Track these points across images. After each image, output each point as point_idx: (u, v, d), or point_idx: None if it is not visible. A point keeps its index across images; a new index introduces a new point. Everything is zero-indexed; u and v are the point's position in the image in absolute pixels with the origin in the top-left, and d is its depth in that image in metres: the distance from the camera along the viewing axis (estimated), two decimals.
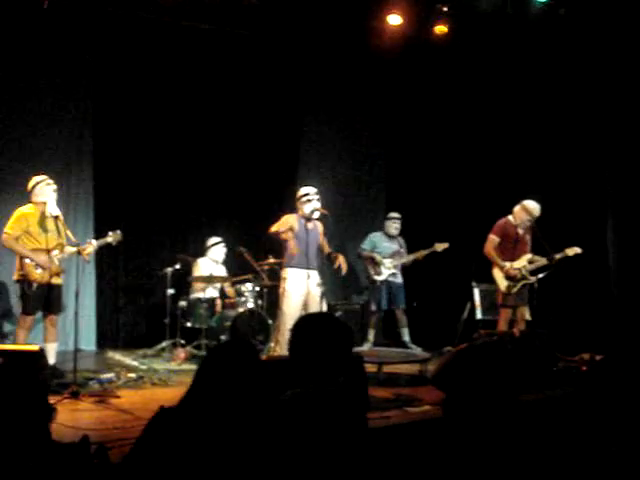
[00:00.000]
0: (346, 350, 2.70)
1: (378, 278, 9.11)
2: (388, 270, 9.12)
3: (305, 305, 7.11)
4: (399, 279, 9.24)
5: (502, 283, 7.71)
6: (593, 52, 8.28)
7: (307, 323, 2.80)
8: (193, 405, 2.57)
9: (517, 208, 7.76)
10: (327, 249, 7.37)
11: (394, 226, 9.31)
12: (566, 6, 8.21)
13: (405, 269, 9.33)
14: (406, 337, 9.11)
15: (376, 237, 9.34)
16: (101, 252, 7.23)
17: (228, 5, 8.09)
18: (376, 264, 9.14)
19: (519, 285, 7.66)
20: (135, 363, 7.69)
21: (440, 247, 8.99)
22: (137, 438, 2.57)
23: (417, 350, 8.62)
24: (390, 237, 9.31)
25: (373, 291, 9.17)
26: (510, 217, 7.80)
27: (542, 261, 7.68)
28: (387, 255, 9.19)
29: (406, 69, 9.77)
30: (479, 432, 2.33)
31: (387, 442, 3.95)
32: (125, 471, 2.59)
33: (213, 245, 8.81)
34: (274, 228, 7.23)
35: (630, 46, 7.97)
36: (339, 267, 7.29)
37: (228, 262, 8.99)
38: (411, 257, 9.20)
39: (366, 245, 9.27)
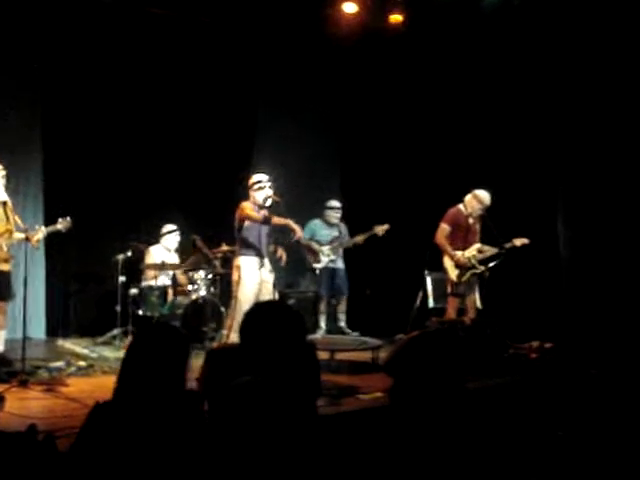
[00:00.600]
0: (298, 338, 2.70)
1: (317, 265, 9.17)
2: (327, 257, 9.18)
3: (258, 293, 7.10)
4: (340, 265, 9.31)
5: (452, 272, 7.81)
6: (547, 42, 8.36)
7: (259, 311, 2.80)
8: (124, 397, 2.57)
9: (468, 197, 7.84)
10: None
11: (334, 215, 9.37)
12: None
13: (350, 255, 9.37)
14: (342, 322, 9.23)
15: (315, 225, 9.38)
16: (51, 239, 7.12)
17: None
18: (314, 252, 9.18)
19: (468, 274, 7.77)
20: (85, 351, 7.60)
21: (380, 229, 9.04)
22: (77, 434, 2.58)
23: (353, 335, 8.76)
24: (330, 225, 9.35)
25: (316, 278, 9.22)
26: (461, 206, 7.88)
27: (491, 250, 7.78)
28: (326, 242, 9.24)
29: (361, 58, 9.77)
30: (424, 419, 2.35)
31: (338, 429, 3.97)
32: (72, 460, 2.57)
33: (167, 233, 8.75)
34: (257, 217, 7.16)
35: (584, 37, 8.06)
36: (280, 258, 7.29)
37: (181, 250, 8.94)
38: (350, 242, 9.28)
39: (304, 233, 9.29)
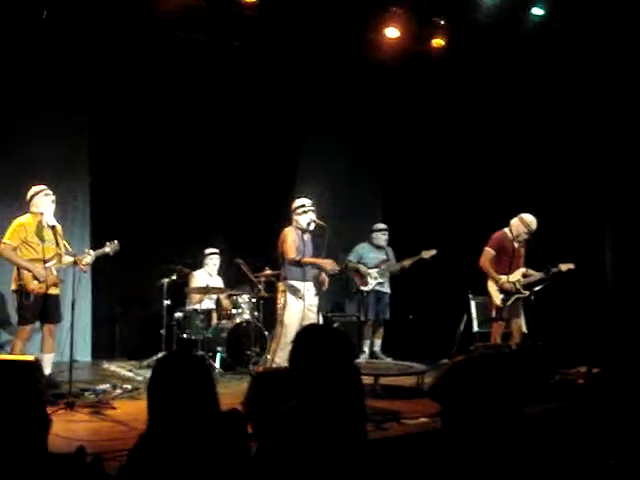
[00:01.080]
0: (347, 362, 2.70)
1: (364, 288, 9.16)
2: (375, 280, 9.17)
3: (303, 317, 7.10)
4: (387, 289, 9.30)
5: (496, 296, 7.70)
6: (589, 65, 8.31)
7: (310, 334, 2.80)
8: (159, 425, 2.59)
9: (514, 221, 7.76)
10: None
11: (382, 237, 9.38)
12: (562, 20, 8.27)
13: (395, 279, 9.35)
14: (377, 347, 9.22)
15: (362, 248, 9.39)
16: (98, 263, 7.21)
17: (228, 17, 8.10)
18: (362, 275, 9.18)
19: (512, 299, 7.66)
20: (130, 374, 7.67)
21: (427, 254, 9.03)
22: (126, 457, 2.60)
23: (387, 360, 8.72)
24: (377, 247, 9.35)
25: (362, 302, 9.21)
26: (507, 230, 7.80)
27: (536, 275, 7.68)
28: (374, 265, 9.24)
29: (404, 82, 9.79)
30: (479, 444, 2.32)
31: (384, 454, 3.94)
32: None
33: (209, 255, 8.83)
34: (291, 255, 7.15)
35: (626, 59, 8.00)
36: (322, 283, 7.29)
37: (225, 273, 9.00)
38: (398, 265, 9.26)
39: (352, 257, 9.32)
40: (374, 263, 9.29)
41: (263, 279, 8.50)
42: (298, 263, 7.12)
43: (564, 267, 7.60)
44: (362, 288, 9.19)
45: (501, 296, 7.67)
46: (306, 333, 2.79)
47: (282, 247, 7.21)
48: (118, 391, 6.42)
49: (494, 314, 7.75)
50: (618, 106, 8.25)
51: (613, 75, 8.21)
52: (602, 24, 7.98)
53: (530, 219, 7.69)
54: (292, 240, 7.17)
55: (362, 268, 9.21)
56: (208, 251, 8.87)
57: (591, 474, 3.29)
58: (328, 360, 2.62)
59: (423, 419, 5.33)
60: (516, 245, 7.76)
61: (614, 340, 8.00)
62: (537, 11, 8.22)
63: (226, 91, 9.26)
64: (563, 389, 6.54)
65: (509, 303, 7.64)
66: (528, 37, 8.38)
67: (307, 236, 7.25)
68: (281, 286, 7.25)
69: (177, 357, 2.86)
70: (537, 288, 7.64)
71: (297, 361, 2.68)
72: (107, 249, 6.84)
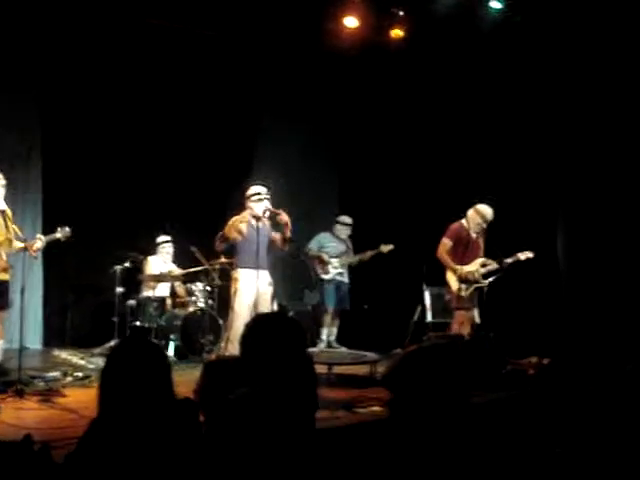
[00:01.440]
0: (299, 350, 2.69)
1: (325, 277, 9.24)
2: (335, 269, 9.24)
3: (256, 305, 7.09)
4: (346, 279, 9.35)
5: (455, 286, 7.75)
6: (548, 58, 8.40)
7: (260, 323, 2.78)
8: (109, 411, 2.56)
9: (470, 212, 7.81)
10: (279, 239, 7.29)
11: (344, 232, 9.44)
12: (521, 13, 8.34)
13: (353, 270, 9.41)
14: (332, 337, 9.29)
15: (323, 237, 9.45)
16: (49, 249, 7.09)
17: (186, 3, 8.03)
18: (323, 263, 9.22)
19: (472, 288, 7.71)
20: (82, 362, 7.58)
21: (385, 249, 9.18)
22: (75, 445, 2.57)
23: (341, 349, 8.79)
24: (338, 238, 9.38)
25: (321, 290, 9.25)
26: (463, 221, 7.85)
27: (494, 264, 7.75)
28: (334, 255, 9.28)
29: (362, 71, 9.79)
30: (426, 432, 2.34)
31: (336, 443, 3.95)
32: (68, 471, 2.56)
33: (162, 243, 8.75)
34: (225, 235, 7.14)
35: (585, 53, 8.11)
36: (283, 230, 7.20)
37: (179, 261, 8.93)
38: (357, 257, 9.38)
39: (313, 245, 9.37)
40: (334, 253, 9.33)
41: (218, 267, 8.44)
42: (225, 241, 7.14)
43: (523, 256, 7.66)
44: (323, 276, 9.23)
45: (460, 285, 7.71)
46: (257, 321, 2.78)
47: (226, 234, 7.19)
48: (69, 379, 6.35)
49: (455, 304, 7.79)
50: (572, 98, 8.35)
51: (569, 68, 8.31)
52: (561, 18, 8.08)
53: (485, 209, 7.75)
54: (231, 225, 7.13)
55: (324, 256, 9.26)
56: (161, 239, 8.80)
57: (538, 462, 3.34)
58: (279, 348, 2.61)
59: (375, 407, 5.37)
60: (474, 236, 7.81)
61: (565, 330, 8.13)
62: (495, 4, 8.28)
63: (182, 77, 9.19)
64: (514, 379, 6.62)
65: (468, 293, 7.69)
66: (487, 29, 8.44)
67: (261, 223, 7.18)
68: (234, 274, 7.22)
69: (133, 344, 2.81)
70: (491, 279, 7.72)
71: (248, 349, 2.67)
72: (58, 235, 6.73)
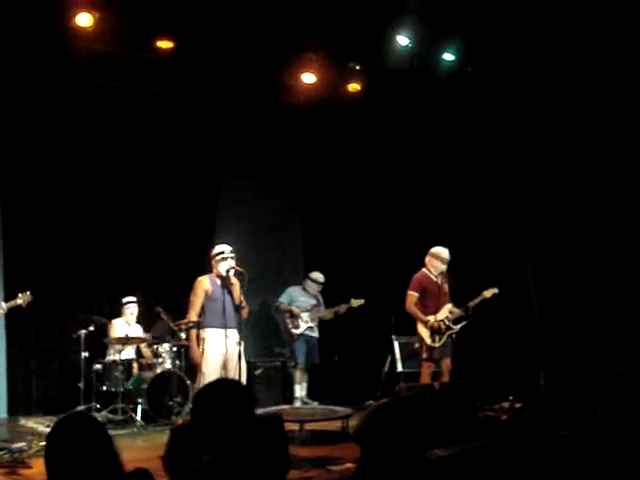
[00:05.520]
0: (246, 412, 2.66)
1: (296, 331, 9.14)
2: (306, 324, 9.17)
3: (224, 365, 7.02)
4: (316, 334, 9.30)
5: (427, 337, 7.68)
6: (502, 106, 8.59)
7: (204, 391, 2.78)
8: None
9: (427, 258, 7.84)
10: (244, 304, 7.27)
11: (316, 288, 9.40)
12: (473, 64, 8.54)
13: (322, 324, 9.37)
14: (303, 392, 9.16)
15: (294, 291, 9.40)
16: (11, 315, 6.98)
17: (144, 64, 8.09)
18: (294, 317, 9.16)
19: (445, 337, 7.68)
20: (48, 430, 7.37)
21: (356, 303, 9.21)
22: None
23: (313, 404, 8.70)
24: (308, 293, 9.36)
25: (292, 345, 9.19)
26: (424, 270, 7.87)
27: (460, 312, 7.75)
28: (305, 309, 9.22)
29: (321, 126, 9.90)
30: None
31: None
32: None
33: (125, 304, 8.66)
34: (192, 308, 7.27)
35: (539, 99, 8.29)
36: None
37: (144, 322, 8.83)
38: (332, 311, 9.31)
39: (283, 299, 9.32)
40: (305, 307, 9.27)
41: (184, 327, 8.34)
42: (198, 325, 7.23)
43: (488, 293, 7.67)
44: (294, 331, 9.15)
45: (432, 336, 7.66)
46: (201, 391, 2.77)
47: (190, 297, 7.21)
48: (34, 449, 6.17)
49: (424, 355, 7.75)
50: (533, 139, 8.50)
51: (522, 112, 8.49)
52: (513, 68, 8.28)
53: (440, 250, 7.79)
54: (196, 289, 7.24)
55: (295, 310, 9.19)
56: (125, 300, 8.70)
57: None
58: (225, 413, 2.59)
59: (348, 464, 5.28)
60: (439, 282, 7.83)
61: (536, 373, 8.15)
62: (448, 57, 8.46)
63: (143, 136, 9.17)
64: (486, 426, 6.60)
65: (442, 342, 7.66)
66: (441, 81, 8.62)
67: (227, 283, 7.16)
68: (201, 334, 7.17)
69: (68, 423, 2.75)
70: (464, 323, 7.71)
71: (197, 419, 2.65)
72: (19, 301, 6.65)
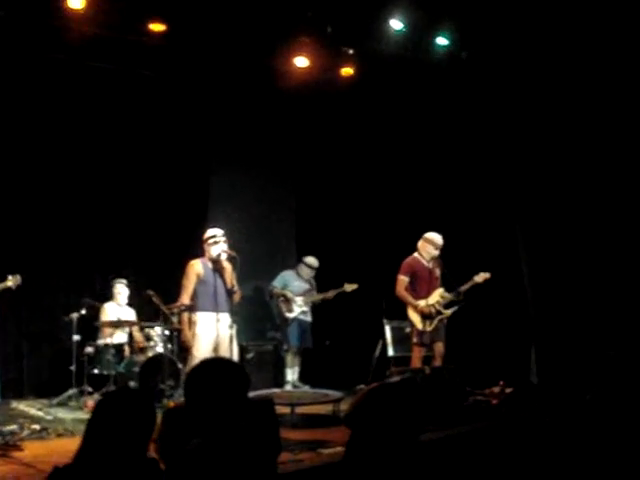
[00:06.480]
0: (240, 392, 2.67)
1: (290, 315, 9.17)
2: (299, 308, 9.21)
3: (216, 348, 7.03)
4: (309, 318, 9.32)
5: (418, 321, 7.72)
6: (496, 90, 8.57)
7: (198, 370, 2.76)
8: (88, 461, 2.50)
9: (420, 243, 7.89)
10: (236, 289, 7.29)
11: (310, 274, 9.42)
12: (467, 49, 8.52)
13: (314, 308, 9.40)
14: (295, 375, 9.22)
15: (288, 275, 9.43)
16: (1, 297, 6.96)
17: (135, 46, 8.03)
18: (288, 301, 9.18)
19: (436, 321, 7.70)
20: (40, 413, 7.41)
21: (349, 288, 9.20)
22: None
23: (304, 388, 8.75)
24: (301, 277, 9.38)
25: (285, 329, 9.22)
26: (416, 254, 7.90)
27: (450, 296, 7.77)
28: (298, 293, 9.25)
29: (314, 111, 9.87)
30: (376, 473, 2.33)
31: None
32: None
33: (114, 286, 8.67)
34: (184, 292, 7.27)
35: (532, 86, 8.28)
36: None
37: (137, 305, 8.83)
38: (320, 296, 9.36)
39: (277, 283, 9.35)
40: (299, 291, 9.31)
41: (176, 310, 8.35)
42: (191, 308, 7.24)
43: (479, 278, 7.69)
44: (287, 315, 9.18)
45: (423, 321, 7.69)
46: (195, 370, 2.76)
47: (182, 281, 7.18)
48: (26, 432, 6.18)
49: (415, 339, 7.79)
50: (526, 121, 8.49)
51: (515, 97, 8.48)
52: (507, 53, 8.27)
53: (433, 236, 7.83)
54: (188, 272, 7.27)
55: (289, 294, 9.23)
56: (115, 281, 8.71)
57: None
58: (218, 395, 2.59)
59: (339, 448, 5.30)
60: (430, 266, 7.85)
61: (526, 358, 8.18)
62: (442, 41, 8.44)
63: (135, 119, 9.15)
64: (477, 411, 6.63)
65: (432, 326, 7.68)
66: (435, 66, 8.59)
67: (219, 266, 7.18)
68: (192, 317, 7.18)
69: (132, 396, 2.80)
70: (455, 307, 7.74)
71: (190, 399, 2.65)
72: (9, 283, 6.65)
